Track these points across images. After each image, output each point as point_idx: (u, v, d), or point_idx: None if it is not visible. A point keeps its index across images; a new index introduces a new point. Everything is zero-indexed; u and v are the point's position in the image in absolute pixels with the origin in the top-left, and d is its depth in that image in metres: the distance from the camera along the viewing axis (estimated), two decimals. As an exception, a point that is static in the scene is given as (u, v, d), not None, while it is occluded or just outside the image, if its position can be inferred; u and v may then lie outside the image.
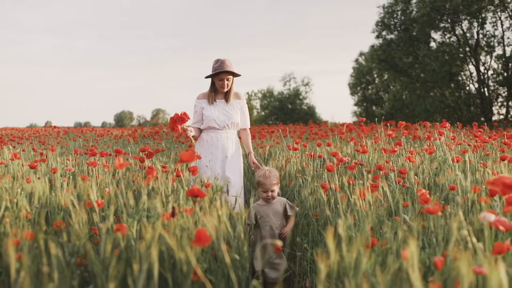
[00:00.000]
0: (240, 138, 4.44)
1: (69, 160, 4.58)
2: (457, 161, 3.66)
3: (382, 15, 25.05)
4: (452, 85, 23.79)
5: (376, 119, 6.64)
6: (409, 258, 1.44)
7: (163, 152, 6.26)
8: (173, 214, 2.01)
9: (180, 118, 3.70)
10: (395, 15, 24.76)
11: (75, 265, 2.00)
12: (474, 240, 1.70)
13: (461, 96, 24.30)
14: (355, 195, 2.61)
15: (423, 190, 2.76)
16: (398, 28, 24.73)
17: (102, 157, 4.76)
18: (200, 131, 4.28)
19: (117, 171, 4.15)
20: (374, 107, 38.36)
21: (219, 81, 4.14)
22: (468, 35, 23.61)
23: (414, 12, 23.92)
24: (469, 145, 5.67)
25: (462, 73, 24.35)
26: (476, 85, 24.02)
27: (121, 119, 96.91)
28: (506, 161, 3.58)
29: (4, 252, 1.89)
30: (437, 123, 8.44)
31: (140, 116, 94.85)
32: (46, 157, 5.44)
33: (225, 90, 4.19)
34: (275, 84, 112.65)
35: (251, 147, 4.39)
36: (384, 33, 25.30)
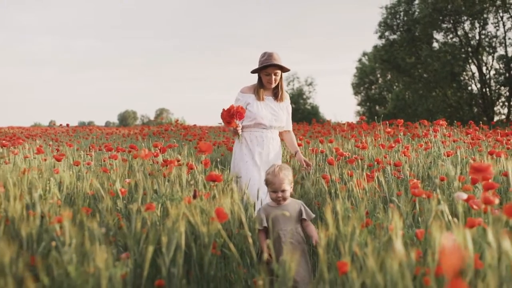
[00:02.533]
0: (281, 140, 4.12)
1: (89, 155, 4.90)
2: (448, 156, 3.97)
3: (385, 15, 25.31)
4: (454, 85, 24.04)
5: (376, 117, 6.95)
6: (394, 228, 1.76)
7: (174, 148, 6.58)
8: (194, 196, 2.33)
9: (238, 113, 3.46)
10: (397, 16, 25.01)
11: (109, 239, 2.33)
12: (450, 216, 2.01)
13: (463, 96, 24.56)
14: (353, 183, 2.94)
15: (415, 180, 3.09)
16: (401, 29, 24.99)
17: (118, 152, 5.08)
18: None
19: (132, 164, 4.48)
20: (377, 107, 38.58)
21: (266, 76, 3.81)
22: (470, 35, 23.87)
23: (416, 13, 24.17)
24: (464, 142, 5.99)
25: (464, 73, 24.61)
26: (478, 85, 24.28)
27: (125, 119, 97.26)
28: (494, 155, 3.89)
29: (51, 228, 2.21)
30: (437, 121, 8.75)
31: (144, 116, 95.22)
32: (62, 152, 5.78)
33: (273, 85, 3.86)
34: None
35: (297, 147, 4.11)
36: (386, 33, 25.56)
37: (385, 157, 4.65)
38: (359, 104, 40.01)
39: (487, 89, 23.87)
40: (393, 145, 4.82)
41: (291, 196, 3.14)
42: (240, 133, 3.72)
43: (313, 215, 3.07)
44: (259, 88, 3.87)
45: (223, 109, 3.49)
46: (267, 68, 3.78)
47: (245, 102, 3.83)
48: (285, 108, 3.97)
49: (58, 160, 3.99)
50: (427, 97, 25.10)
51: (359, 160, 4.84)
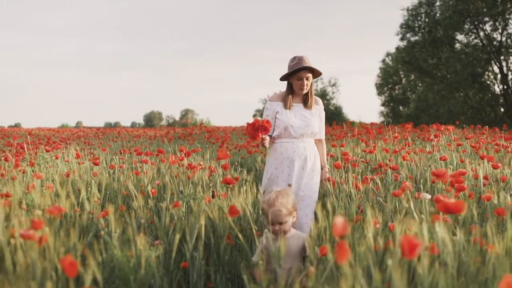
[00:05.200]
0: None
1: (122, 158, 5.46)
2: (443, 160, 4.39)
3: (406, 17, 25.50)
4: (476, 86, 24.11)
5: (384, 122, 7.38)
6: (367, 220, 2.23)
7: (198, 152, 7.13)
8: (213, 196, 2.84)
9: (263, 127, 3.23)
10: (419, 18, 25.18)
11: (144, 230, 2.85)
12: (414, 212, 2.47)
13: (484, 98, 24.60)
14: (350, 186, 3.42)
15: (407, 182, 3.54)
16: (422, 30, 25.15)
17: (146, 155, 5.63)
18: (271, 139, 3.67)
19: (160, 167, 5.02)
20: (400, 108, 38.62)
21: (298, 80, 3.57)
22: (492, 36, 23.90)
23: (438, 14, 24.31)
24: (473, 146, 6.39)
25: (486, 74, 24.64)
26: (501, 86, 24.31)
27: (151, 119, 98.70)
28: (485, 160, 4.29)
29: (97, 222, 2.74)
30: (451, 125, 9.14)
31: (169, 116, 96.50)
32: (96, 156, 6.39)
33: (305, 91, 3.61)
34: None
35: (326, 161, 3.85)
36: (408, 35, 25.75)
37: (390, 161, 5.09)
38: (382, 105, 40.11)
39: (510, 90, 23.89)
40: (397, 149, 5.26)
41: (294, 226, 2.75)
42: (267, 146, 3.43)
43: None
44: (288, 95, 3.66)
45: (247, 123, 3.34)
46: (299, 72, 3.55)
47: (273, 110, 3.65)
48: (318, 114, 3.71)
49: (96, 164, 4.55)
50: (449, 98, 25.19)
51: (366, 164, 5.30)
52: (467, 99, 25.00)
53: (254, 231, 2.72)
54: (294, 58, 3.60)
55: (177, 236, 2.33)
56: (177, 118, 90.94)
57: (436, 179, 2.48)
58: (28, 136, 10.13)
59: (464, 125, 10.84)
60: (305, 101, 3.67)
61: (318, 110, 3.71)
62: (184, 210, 2.99)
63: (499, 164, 3.75)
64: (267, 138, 3.40)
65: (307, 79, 3.57)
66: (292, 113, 3.62)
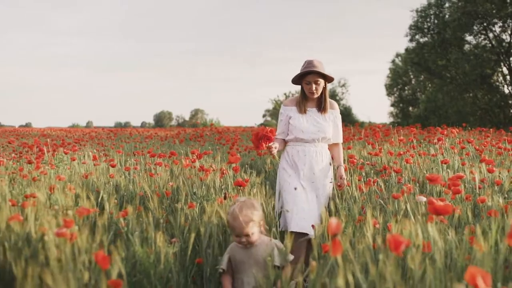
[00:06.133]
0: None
1: (136, 161, 5.69)
2: (445, 163, 4.58)
3: (415, 18, 25.58)
4: (485, 87, 24.14)
5: (391, 124, 7.56)
6: (367, 221, 2.43)
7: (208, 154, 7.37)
8: (225, 197, 3.05)
9: (266, 137, 3.30)
10: (428, 19, 25.25)
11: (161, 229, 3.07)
12: (411, 213, 2.67)
13: (493, 99, 24.62)
14: (353, 188, 3.62)
15: (409, 185, 3.73)
16: (431, 32, 25.21)
17: (159, 157, 5.87)
18: (285, 143, 3.70)
19: (173, 168, 5.25)
20: (410, 108, 38.63)
21: (307, 85, 3.55)
22: (502, 37, 23.93)
23: (447, 16, 24.36)
24: (476, 149, 6.55)
25: (495, 75, 24.66)
26: (510, 87, 24.34)
27: (161, 119, 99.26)
28: (483, 163, 4.47)
29: (117, 221, 2.96)
30: (456, 128, 9.31)
31: (179, 116, 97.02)
32: (110, 157, 6.64)
33: (315, 96, 3.58)
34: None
35: (342, 161, 3.80)
36: (417, 36, 25.83)
37: (395, 163, 5.28)
38: (392, 105, 40.14)
39: (519, 91, 23.93)
40: (402, 152, 5.44)
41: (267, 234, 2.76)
42: (275, 153, 3.44)
43: (291, 256, 2.58)
44: (301, 100, 3.64)
45: (253, 133, 3.40)
46: (307, 76, 3.53)
47: (286, 115, 3.65)
48: (332, 119, 3.65)
49: (113, 166, 4.78)
50: (458, 99, 25.23)
51: (371, 166, 5.49)
52: (476, 100, 25.03)
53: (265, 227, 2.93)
54: (305, 62, 3.58)
55: (192, 235, 2.54)
56: (187, 118, 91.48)
57: (430, 183, 2.67)
58: (48, 139, 10.40)
59: (469, 127, 10.97)
60: (319, 105, 3.64)
61: (333, 115, 3.66)
62: (197, 211, 3.20)
63: (495, 169, 3.92)
64: (275, 146, 3.39)
65: (316, 83, 3.52)
66: (304, 118, 3.59)
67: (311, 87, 3.52)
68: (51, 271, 1.66)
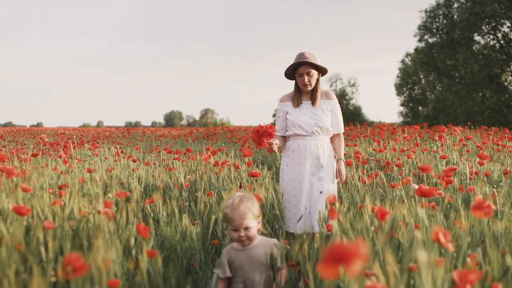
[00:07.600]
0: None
1: (155, 156, 6.08)
2: (444, 158, 4.90)
3: (424, 19, 25.80)
4: (493, 86, 24.29)
5: (396, 124, 7.89)
6: (365, 205, 2.78)
7: (222, 151, 7.76)
8: (240, 187, 3.41)
9: (267, 133, 3.22)
10: (437, 19, 25.45)
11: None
12: (405, 200, 3.01)
13: (501, 98, 24.78)
14: (357, 180, 3.97)
15: (408, 177, 4.07)
16: (440, 32, 25.41)
17: (176, 154, 6.24)
18: (285, 139, 3.66)
19: (190, 164, 5.62)
20: (420, 108, 38.78)
21: (299, 77, 3.49)
22: (511, 37, 24.06)
23: (455, 16, 24.55)
24: (478, 146, 6.86)
25: (503, 75, 24.82)
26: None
27: (171, 119, 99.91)
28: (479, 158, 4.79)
29: (145, 207, 3.34)
30: (459, 126, 9.60)
31: (189, 116, 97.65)
32: (128, 154, 7.04)
33: (308, 88, 3.52)
34: (322, 85, 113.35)
35: (342, 154, 3.67)
36: (426, 36, 26.04)
37: (398, 159, 5.61)
38: (402, 105, 40.31)
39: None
40: (404, 149, 5.77)
41: (263, 234, 2.61)
42: (276, 150, 3.35)
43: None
44: (296, 93, 3.59)
45: (253, 130, 3.33)
46: (299, 68, 3.47)
47: (283, 111, 3.62)
48: (330, 110, 3.58)
49: (134, 161, 5.16)
50: (467, 99, 25.41)
51: (376, 161, 5.83)
52: (485, 100, 25.19)
53: (275, 213, 3.28)
54: (297, 55, 3.52)
55: (213, 217, 2.90)
56: (197, 117, 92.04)
57: (421, 172, 3.01)
58: (74, 137, 10.81)
59: (475, 126, 11.24)
60: (313, 98, 3.58)
61: (330, 105, 3.59)
62: (215, 199, 3.56)
63: (485, 162, 4.25)
64: (275, 142, 3.31)
65: (308, 74, 3.46)
66: (301, 112, 3.55)
67: (304, 79, 3.47)
68: (104, 238, 2.02)
